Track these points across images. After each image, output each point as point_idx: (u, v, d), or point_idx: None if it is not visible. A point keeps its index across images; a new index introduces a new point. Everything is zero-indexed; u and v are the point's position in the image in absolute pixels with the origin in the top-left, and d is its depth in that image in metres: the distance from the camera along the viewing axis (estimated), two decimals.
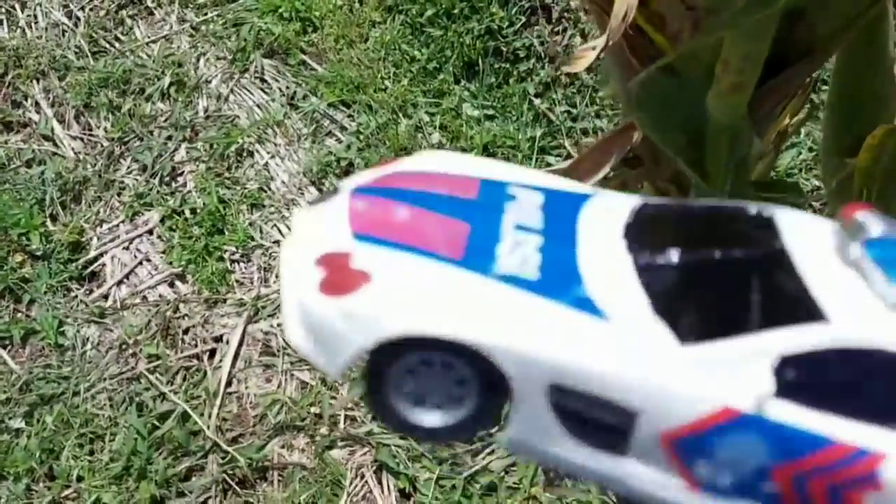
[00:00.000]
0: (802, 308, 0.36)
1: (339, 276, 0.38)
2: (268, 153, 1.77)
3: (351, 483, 1.44)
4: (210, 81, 1.86)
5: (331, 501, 1.43)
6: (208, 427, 1.49)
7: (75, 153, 1.76)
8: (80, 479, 1.46)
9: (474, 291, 0.38)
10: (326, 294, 0.38)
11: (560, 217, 0.43)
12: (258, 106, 1.83)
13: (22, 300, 1.62)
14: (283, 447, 1.49)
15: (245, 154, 1.78)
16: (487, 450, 1.43)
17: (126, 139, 1.78)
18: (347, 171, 1.74)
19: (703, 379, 0.35)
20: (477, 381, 0.38)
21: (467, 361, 0.37)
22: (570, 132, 1.78)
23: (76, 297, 1.63)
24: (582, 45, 1.82)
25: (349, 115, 1.81)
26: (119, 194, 1.73)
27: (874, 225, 0.39)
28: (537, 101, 1.83)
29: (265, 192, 1.73)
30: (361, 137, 1.77)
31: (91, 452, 1.49)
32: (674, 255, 0.40)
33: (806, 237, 0.41)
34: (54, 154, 1.76)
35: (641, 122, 0.69)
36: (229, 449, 1.47)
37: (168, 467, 1.46)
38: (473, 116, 1.81)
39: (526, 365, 0.36)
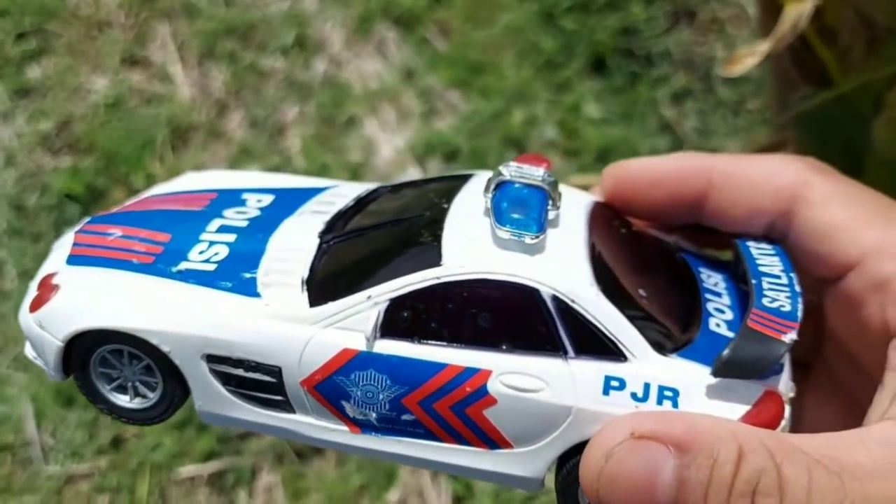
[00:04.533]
0: (428, 257, 0.41)
1: (41, 294, 0.46)
2: (377, 125, 1.74)
3: (406, 478, 1.40)
4: (332, 45, 1.83)
5: (383, 490, 1.39)
6: None
7: (191, 98, 1.77)
8: None
9: (147, 290, 0.44)
10: (31, 311, 0.46)
11: (275, 212, 0.49)
12: (375, 76, 1.80)
13: None
14: None
15: (354, 122, 1.74)
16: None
17: (241, 91, 1.78)
18: (452, 155, 1.68)
19: (326, 331, 0.41)
20: (157, 366, 0.45)
21: (143, 350, 0.44)
22: (697, 149, 1.66)
23: None
24: (725, 56, 1.70)
25: (465, 98, 1.75)
26: (226, 145, 1.73)
27: (514, 172, 0.43)
28: (666, 111, 1.72)
29: (366, 164, 1.70)
30: (472, 124, 1.71)
31: None
32: (352, 228, 0.46)
33: (478, 191, 0.44)
34: (171, 96, 1.77)
35: (797, 140, 0.60)
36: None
37: None
38: (594, 117, 1.71)
39: (178, 341, 0.43)
